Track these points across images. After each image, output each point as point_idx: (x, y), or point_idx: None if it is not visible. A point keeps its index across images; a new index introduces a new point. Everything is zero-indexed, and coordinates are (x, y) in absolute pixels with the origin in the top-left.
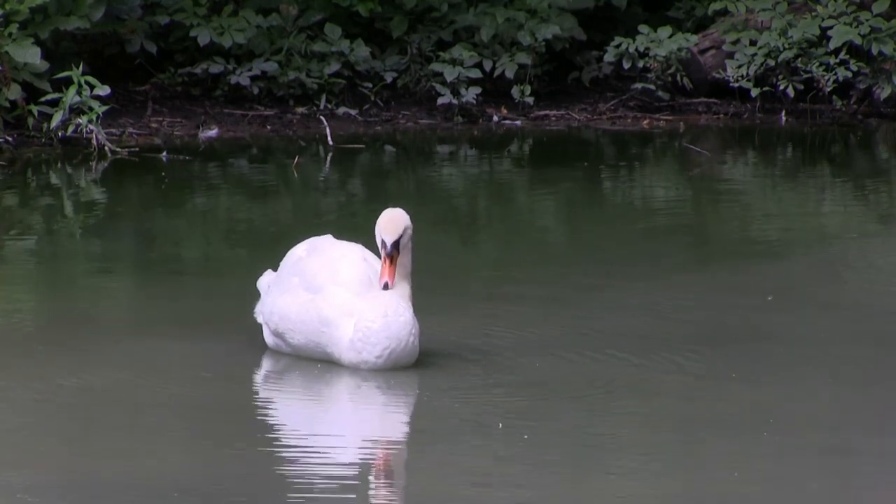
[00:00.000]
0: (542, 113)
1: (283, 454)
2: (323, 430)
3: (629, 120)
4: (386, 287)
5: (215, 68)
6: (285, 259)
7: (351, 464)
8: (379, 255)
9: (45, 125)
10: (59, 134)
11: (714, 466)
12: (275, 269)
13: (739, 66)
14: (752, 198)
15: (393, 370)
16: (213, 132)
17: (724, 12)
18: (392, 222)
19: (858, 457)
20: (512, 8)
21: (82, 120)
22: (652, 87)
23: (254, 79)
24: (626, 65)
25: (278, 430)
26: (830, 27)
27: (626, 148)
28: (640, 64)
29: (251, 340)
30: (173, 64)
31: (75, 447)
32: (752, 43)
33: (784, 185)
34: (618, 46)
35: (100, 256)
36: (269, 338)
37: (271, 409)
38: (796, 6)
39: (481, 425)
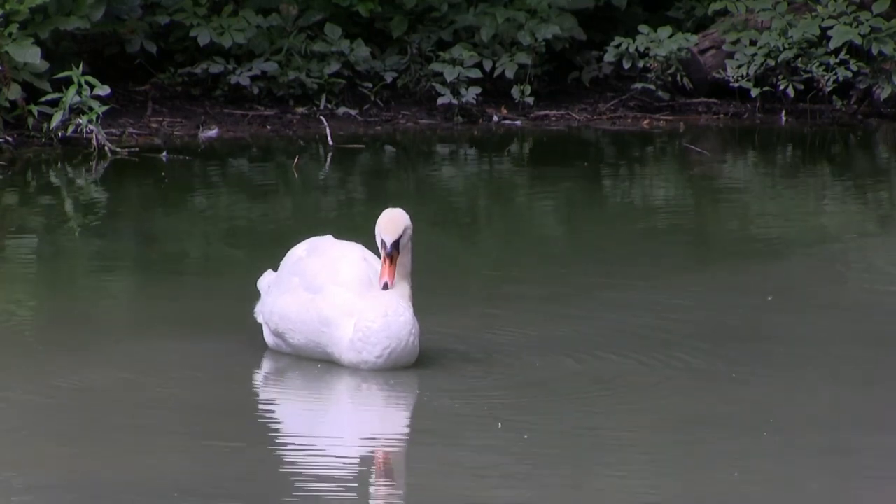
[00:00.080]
0: (542, 113)
1: (283, 454)
2: (323, 430)
3: (629, 120)
4: (386, 287)
5: (215, 68)
6: (285, 259)
7: (351, 464)
8: (379, 255)
9: (45, 125)
10: (59, 134)
11: (714, 466)
12: (275, 269)
13: (739, 66)
14: (752, 198)
15: (393, 370)
16: (213, 132)
17: (724, 12)
18: (392, 222)
19: (858, 457)
20: (512, 8)
21: (82, 120)
22: (652, 87)
23: (254, 79)
24: (626, 65)
25: (278, 430)
26: (830, 27)
27: (626, 148)
28: (640, 64)
29: (251, 340)
30: (173, 64)
31: (75, 447)
32: (752, 43)
33: (784, 185)
34: (618, 46)
35: (100, 256)
36: (269, 338)
37: (271, 409)
38: (796, 6)
39: (481, 425)
